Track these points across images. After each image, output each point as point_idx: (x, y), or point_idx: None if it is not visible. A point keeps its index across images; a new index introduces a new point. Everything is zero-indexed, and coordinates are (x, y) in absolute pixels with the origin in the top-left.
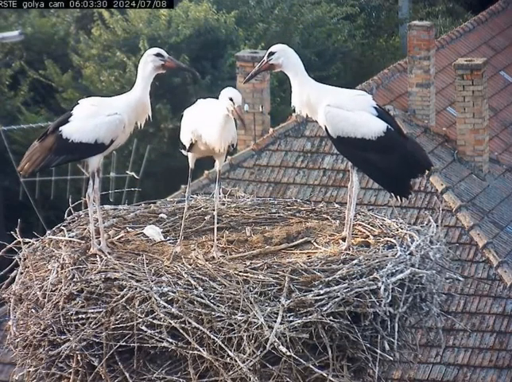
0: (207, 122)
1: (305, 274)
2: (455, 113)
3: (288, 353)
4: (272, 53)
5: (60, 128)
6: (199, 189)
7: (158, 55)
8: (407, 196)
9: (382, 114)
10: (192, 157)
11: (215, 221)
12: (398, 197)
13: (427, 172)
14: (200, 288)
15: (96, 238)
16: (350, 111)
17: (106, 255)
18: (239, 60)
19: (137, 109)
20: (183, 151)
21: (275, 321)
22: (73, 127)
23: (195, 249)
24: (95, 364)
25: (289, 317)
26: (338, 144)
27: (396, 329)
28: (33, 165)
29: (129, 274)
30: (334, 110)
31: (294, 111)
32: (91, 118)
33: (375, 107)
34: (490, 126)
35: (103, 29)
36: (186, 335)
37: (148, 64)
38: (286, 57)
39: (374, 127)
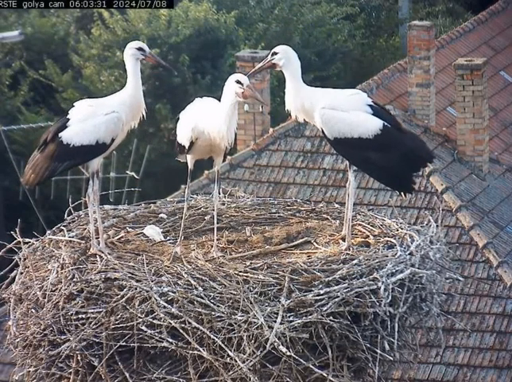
0: (210, 116)
1: (305, 274)
2: (455, 113)
3: (288, 353)
4: (275, 53)
5: (60, 134)
6: (199, 189)
7: (140, 49)
8: (411, 191)
9: (378, 111)
10: (190, 159)
11: (215, 221)
12: (402, 193)
13: (429, 165)
14: (200, 288)
15: (96, 238)
16: (345, 111)
17: (106, 255)
18: (239, 60)
19: (132, 106)
20: (179, 158)
21: (275, 321)
22: (72, 131)
23: (195, 249)
24: (95, 364)
25: (289, 317)
26: (336, 145)
27: (396, 329)
28: (38, 177)
29: (129, 274)
30: (329, 112)
31: (290, 114)
32: (89, 120)
33: (370, 105)
34: (490, 126)
35: (103, 29)
36: (186, 335)
37: (130, 57)
38: (287, 59)
39: (371, 126)
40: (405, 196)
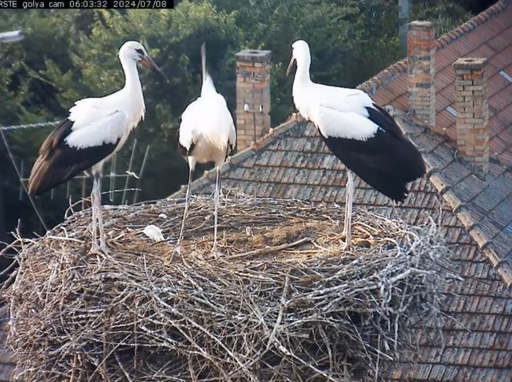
0: (204, 116)
1: (305, 274)
2: (455, 113)
3: (288, 353)
4: (292, 49)
5: (65, 139)
6: (199, 189)
7: (139, 51)
8: (402, 199)
9: (376, 114)
10: (192, 160)
11: (215, 221)
12: (393, 200)
13: (419, 178)
14: (200, 288)
15: (97, 238)
16: (342, 111)
17: (106, 255)
18: (239, 60)
19: (132, 106)
20: (182, 156)
21: (275, 321)
22: (78, 134)
23: (195, 249)
24: (95, 364)
25: (289, 317)
26: (330, 144)
27: (396, 329)
28: (45, 183)
29: (130, 274)
30: (326, 110)
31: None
32: (94, 121)
33: (368, 108)
34: (490, 126)
35: (103, 29)
36: (186, 335)
37: (127, 57)
38: (299, 53)
39: (365, 129)
40: (396, 202)
